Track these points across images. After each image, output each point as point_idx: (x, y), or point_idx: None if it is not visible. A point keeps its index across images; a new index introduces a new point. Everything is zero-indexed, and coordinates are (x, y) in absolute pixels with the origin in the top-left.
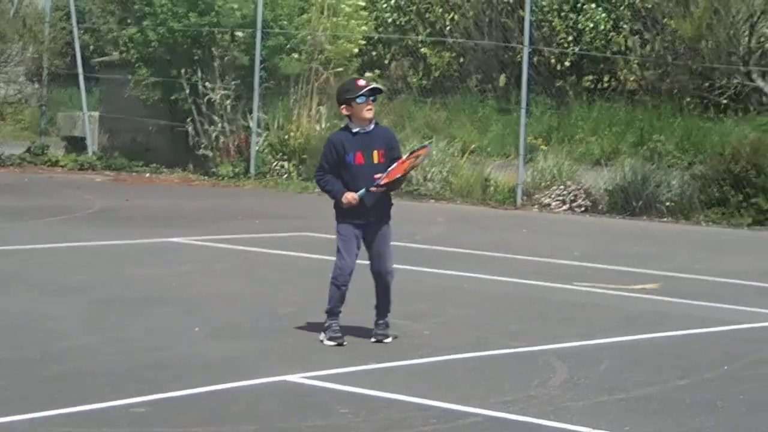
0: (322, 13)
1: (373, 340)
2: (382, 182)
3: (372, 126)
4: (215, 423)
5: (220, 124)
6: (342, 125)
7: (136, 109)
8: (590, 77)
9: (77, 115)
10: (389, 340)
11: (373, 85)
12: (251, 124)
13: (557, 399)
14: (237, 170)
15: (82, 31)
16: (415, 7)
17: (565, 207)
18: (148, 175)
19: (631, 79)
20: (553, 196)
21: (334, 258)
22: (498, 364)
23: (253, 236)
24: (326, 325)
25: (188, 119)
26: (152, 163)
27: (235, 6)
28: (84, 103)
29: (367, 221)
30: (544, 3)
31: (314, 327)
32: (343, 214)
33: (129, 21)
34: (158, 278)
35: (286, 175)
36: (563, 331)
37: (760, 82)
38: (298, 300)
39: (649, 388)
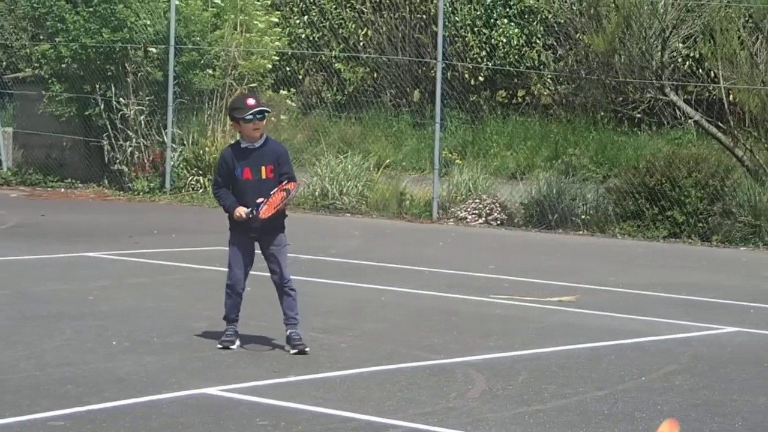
0: (235, 29)
1: (294, 351)
2: (262, 215)
3: (261, 141)
4: None
5: (134, 139)
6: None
7: (50, 124)
8: (504, 92)
9: None
10: (308, 349)
11: (260, 108)
12: (166, 139)
13: (476, 410)
14: (152, 185)
15: None
16: (328, 23)
17: (481, 220)
18: (63, 190)
19: (545, 93)
20: (468, 209)
21: None
22: (416, 376)
23: (169, 251)
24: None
25: (103, 134)
26: (67, 178)
27: (148, 22)
28: None
29: (258, 233)
30: (457, 18)
31: None
32: (235, 225)
33: (42, 37)
34: (74, 293)
35: (201, 190)
36: (480, 343)
37: (673, 96)
38: (214, 314)
39: (566, 399)
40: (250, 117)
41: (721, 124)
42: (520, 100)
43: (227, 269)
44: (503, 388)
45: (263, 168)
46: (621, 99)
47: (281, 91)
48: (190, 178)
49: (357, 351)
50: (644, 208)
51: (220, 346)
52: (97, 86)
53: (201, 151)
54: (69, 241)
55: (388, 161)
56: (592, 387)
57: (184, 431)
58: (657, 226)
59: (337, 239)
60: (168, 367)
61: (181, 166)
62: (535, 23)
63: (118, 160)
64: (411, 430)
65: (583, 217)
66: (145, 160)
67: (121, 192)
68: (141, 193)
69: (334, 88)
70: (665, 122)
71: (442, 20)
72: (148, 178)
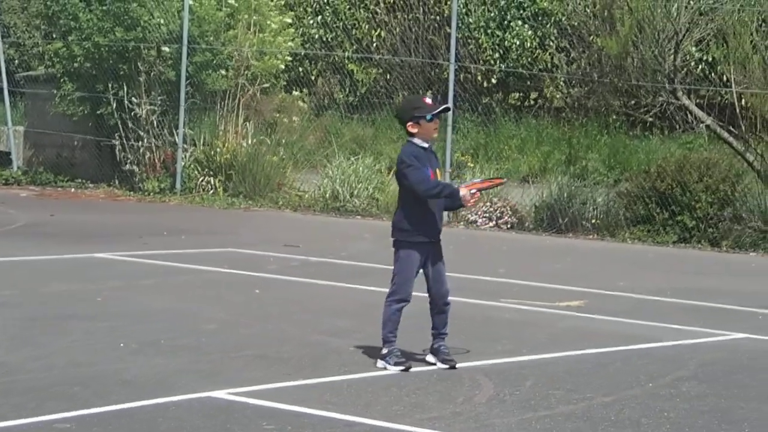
0: (248, 29)
1: (445, 366)
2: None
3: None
4: None
5: (146, 139)
6: (270, 141)
7: (61, 123)
8: (517, 94)
9: (1, 130)
10: (457, 365)
11: (445, 106)
12: (177, 140)
13: (483, 415)
14: (163, 186)
15: (6, 46)
16: (341, 24)
17: (491, 224)
18: (73, 190)
19: (558, 96)
20: (479, 212)
21: (257, 274)
22: (423, 380)
23: (179, 252)
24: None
25: (114, 134)
26: (78, 178)
27: (161, 21)
28: (8, 117)
29: (432, 240)
30: (470, 20)
31: (238, 343)
32: (411, 235)
33: (54, 36)
34: (83, 294)
35: (212, 191)
36: (488, 347)
37: (685, 100)
38: (222, 316)
39: (573, 405)
40: (432, 117)
41: (732, 129)
42: (532, 102)
43: (395, 284)
44: (510, 393)
45: (437, 170)
46: (633, 102)
47: (294, 92)
48: (200, 179)
49: (364, 355)
50: (655, 213)
51: (402, 368)
52: (110, 85)
53: (212, 152)
54: (78, 242)
55: None
56: (600, 393)
57: None
58: (667, 230)
59: (348, 242)
60: (176, 369)
61: (192, 166)
62: (548, 25)
63: (129, 160)
64: None
65: (593, 221)
66: (156, 161)
67: (132, 192)
68: (151, 194)
69: (347, 89)
70: (677, 126)
71: (456, 22)
72: (159, 178)
